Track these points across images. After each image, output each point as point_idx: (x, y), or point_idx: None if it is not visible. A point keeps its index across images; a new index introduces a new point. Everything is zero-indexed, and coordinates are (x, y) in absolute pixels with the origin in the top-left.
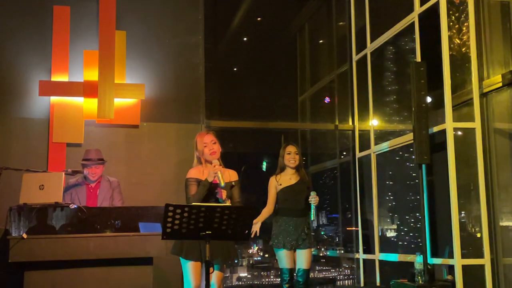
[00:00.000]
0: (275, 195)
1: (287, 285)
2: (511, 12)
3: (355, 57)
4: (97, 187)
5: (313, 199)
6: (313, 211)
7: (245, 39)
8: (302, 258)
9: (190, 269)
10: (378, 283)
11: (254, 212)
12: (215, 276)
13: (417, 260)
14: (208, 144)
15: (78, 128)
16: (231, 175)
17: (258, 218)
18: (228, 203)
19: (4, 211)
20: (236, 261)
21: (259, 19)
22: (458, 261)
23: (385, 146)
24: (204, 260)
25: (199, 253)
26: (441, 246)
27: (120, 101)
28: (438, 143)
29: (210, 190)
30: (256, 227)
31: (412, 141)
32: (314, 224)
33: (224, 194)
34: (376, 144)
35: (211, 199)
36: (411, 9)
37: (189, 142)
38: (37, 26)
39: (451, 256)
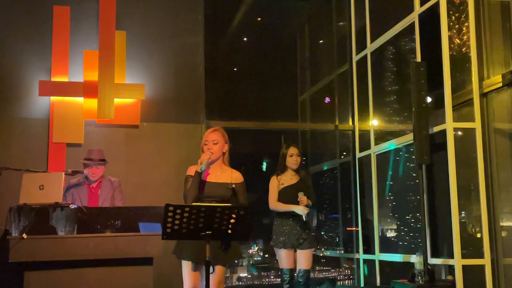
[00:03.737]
0: (277, 192)
1: (287, 286)
2: (511, 12)
3: (355, 57)
4: (98, 187)
5: (301, 199)
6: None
7: (245, 39)
8: (303, 259)
9: (183, 268)
10: (378, 283)
11: (254, 212)
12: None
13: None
14: (209, 143)
15: (78, 128)
16: (234, 177)
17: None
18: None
19: (4, 211)
20: (236, 262)
21: (259, 19)
22: (458, 261)
23: (385, 146)
24: (197, 260)
25: (191, 252)
26: (441, 246)
27: (120, 101)
28: (438, 143)
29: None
30: (303, 199)
31: (412, 141)
32: (314, 224)
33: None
34: (376, 144)
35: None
36: (411, 9)
37: (189, 142)
38: (37, 26)
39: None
